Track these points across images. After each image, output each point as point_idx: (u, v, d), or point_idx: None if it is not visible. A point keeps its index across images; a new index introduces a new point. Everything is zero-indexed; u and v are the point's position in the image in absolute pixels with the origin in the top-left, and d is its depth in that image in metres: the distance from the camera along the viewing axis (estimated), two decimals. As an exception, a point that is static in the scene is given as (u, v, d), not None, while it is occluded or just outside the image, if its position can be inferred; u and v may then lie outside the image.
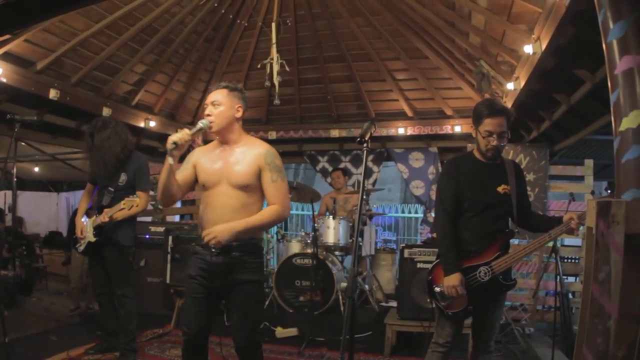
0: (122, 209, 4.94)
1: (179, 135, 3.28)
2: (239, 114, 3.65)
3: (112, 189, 5.20)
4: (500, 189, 3.76)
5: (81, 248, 5.33)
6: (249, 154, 3.61)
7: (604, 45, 2.51)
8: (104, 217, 5.03)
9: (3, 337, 4.56)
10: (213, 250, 3.50)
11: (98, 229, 5.18)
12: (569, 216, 3.56)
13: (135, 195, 5.00)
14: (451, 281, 3.62)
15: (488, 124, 3.67)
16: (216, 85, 3.69)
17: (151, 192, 4.31)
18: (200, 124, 3.48)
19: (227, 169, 3.57)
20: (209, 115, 3.55)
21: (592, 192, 7.03)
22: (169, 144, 3.26)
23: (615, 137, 2.44)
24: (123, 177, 5.21)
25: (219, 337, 5.43)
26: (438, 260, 3.88)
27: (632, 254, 2.12)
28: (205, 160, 3.65)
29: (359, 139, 3.16)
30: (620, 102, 2.40)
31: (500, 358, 5.67)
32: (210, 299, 3.67)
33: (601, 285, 2.20)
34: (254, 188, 3.60)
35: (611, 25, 2.43)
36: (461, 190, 3.79)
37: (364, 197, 8.51)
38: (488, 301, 3.77)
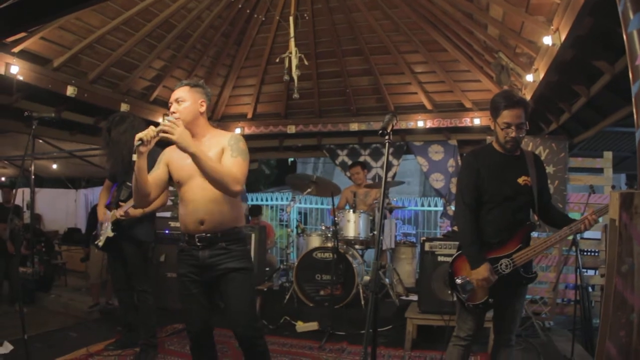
0: None
1: (145, 132, 3.26)
2: (203, 109, 3.71)
3: (130, 184, 5.19)
4: (520, 180, 3.74)
5: (100, 244, 5.37)
6: (214, 142, 3.66)
7: (624, 36, 2.48)
8: (120, 212, 5.09)
9: (22, 334, 4.59)
10: (198, 244, 3.59)
11: (115, 224, 5.23)
12: (585, 217, 3.54)
13: None
14: (480, 273, 3.61)
15: (506, 115, 3.64)
16: (178, 84, 3.74)
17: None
18: (167, 120, 3.41)
19: None
20: (174, 112, 3.58)
21: (613, 187, 6.98)
22: (136, 141, 3.25)
23: (637, 129, 2.42)
24: None
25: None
26: (459, 252, 3.88)
27: (656, 246, 2.11)
28: (176, 157, 3.67)
29: (380, 131, 3.16)
30: (642, 93, 2.37)
31: (520, 352, 5.63)
32: (204, 293, 3.73)
33: (624, 277, 2.18)
34: None
35: (631, 16, 2.40)
36: (481, 182, 3.77)
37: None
38: (509, 294, 3.75)
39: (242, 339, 3.71)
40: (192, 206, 3.59)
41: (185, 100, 3.61)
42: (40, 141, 9.51)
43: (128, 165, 5.10)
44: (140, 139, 3.24)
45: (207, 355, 3.87)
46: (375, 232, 7.76)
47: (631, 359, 2.10)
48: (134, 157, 3.30)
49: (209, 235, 3.60)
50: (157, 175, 3.68)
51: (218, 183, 3.41)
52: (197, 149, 3.29)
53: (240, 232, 3.78)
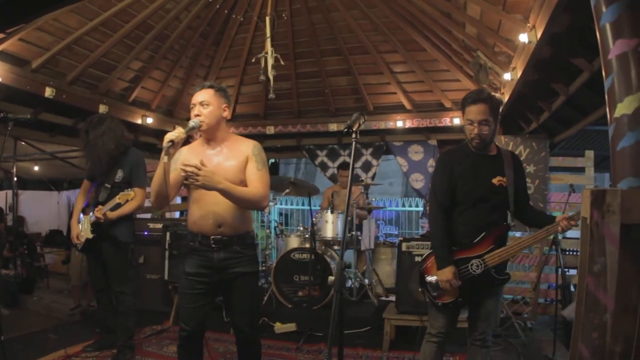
0: (117, 203, 4.99)
1: (176, 134, 3.31)
2: (226, 113, 3.78)
3: (108, 185, 5.23)
4: (495, 180, 3.72)
5: (80, 245, 5.34)
6: (238, 149, 3.73)
7: (597, 30, 2.43)
8: (98, 213, 5.04)
9: (9, 334, 4.72)
10: (214, 246, 3.63)
11: (95, 226, 5.19)
12: (561, 217, 3.52)
13: (131, 189, 5.03)
14: (444, 275, 3.64)
15: (469, 112, 3.68)
16: (201, 85, 3.75)
17: (147, 189, 4.36)
18: (192, 123, 3.54)
19: (219, 166, 3.64)
20: (198, 115, 3.61)
21: (596, 187, 6.97)
22: (166, 142, 3.27)
23: (610, 125, 2.37)
24: (119, 174, 5.23)
25: (217, 333, 5.40)
26: (431, 251, 3.89)
27: (629, 244, 2.05)
28: (194, 159, 3.59)
29: (346, 129, 3.14)
30: (615, 87, 2.32)
31: (500, 352, 5.64)
32: (207, 294, 3.76)
33: (596, 277, 2.12)
34: (244, 184, 3.68)
35: (604, 9, 2.34)
36: (455, 182, 3.78)
37: (363, 190, 8.47)
38: (481, 294, 3.74)
39: (246, 338, 3.87)
40: (211, 209, 3.62)
41: (210, 104, 3.65)
42: (23, 143, 9.43)
43: (105, 167, 5.19)
44: (171, 141, 3.29)
45: (194, 355, 3.90)
46: (353, 233, 7.75)
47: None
48: (164, 158, 3.34)
49: (225, 238, 3.66)
50: (174, 176, 3.66)
51: (248, 205, 3.62)
52: (224, 185, 3.40)
53: (252, 235, 3.88)
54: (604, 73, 2.39)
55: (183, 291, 3.78)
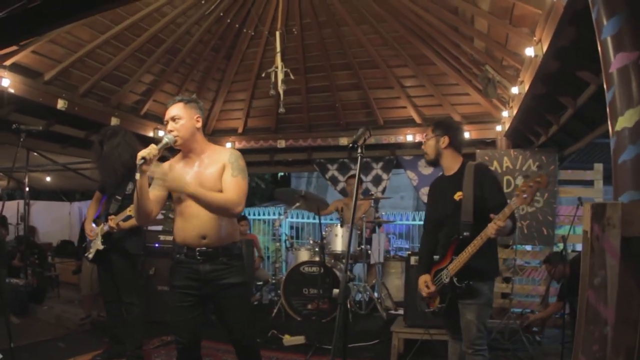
0: (128, 215, 5.01)
1: (147, 151, 3.29)
2: (199, 124, 3.74)
3: (119, 197, 5.26)
4: (456, 197, 3.98)
5: (90, 256, 5.38)
6: (216, 158, 3.71)
7: (598, 43, 2.46)
8: (110, 224, 5.08)
9: (9, 343, 4.62)
10: (199, 258, 3.62)
11: (106, 237, 5.24)
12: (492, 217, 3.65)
13: None
14: (419, 282, 4.15)
15: None
16: (171, 101, 3.76)
17: None
18: (166, 139, 3.54)
19: (200, 177, 3.65)
20: (171, 130, 3.61)
21: (605, 200, 6.97)
22: (138, 159, 3.26)
23: (611, 137, 2.38)
24: (131, 186, 5.23)
25: (219, 344, 5.41)
26: None
27: (629, 257, 2.06)
28: (175, 174, 3.68)
29: (351, 145, 3.20)
30: (616, 100, 2.34)
31: (508, 366, 5.62)
32: (197, 306, 3.75)
33: (597, 290, 2.13)
34: None
35: (605, 22, 2.37)
36: (434, 204, 4.34)
37: (373, 204, 8.48)
38: (461, 305, 3.94)
39: (245, 349, 3.86)
40: (194, 221, 3.61)
41: (182, 117, 3.63)
42: (35, 154, 9.51)
43: (120, 179, 5.22)
44: (143, 158, 3.26)
45: None
46: (363, 247, 7.76)
47: (604, 373, 2.05)
48: (137, 175, 3.32)
49: (210, 249, 3.64)
50: (157, 192, 3.66)
51: (220, 211, 3.55)
52: (192, 190, 3.41)
53: (238, 247, 3.86)
54: (605, 86, 2.42)
55: (174, 304, 3.76)
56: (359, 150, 3.17)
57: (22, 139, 5.00)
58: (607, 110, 2.43)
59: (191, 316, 3.71)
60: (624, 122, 2.28)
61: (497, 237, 3.74)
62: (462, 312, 3.93)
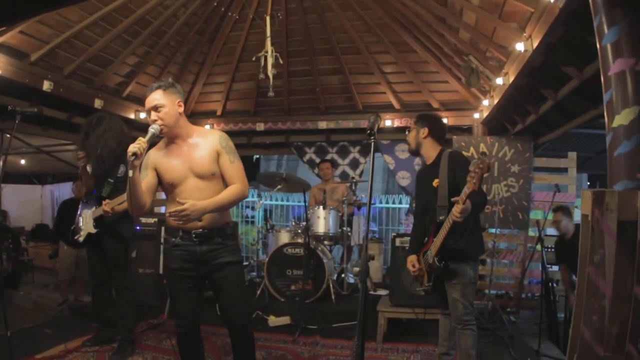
0: (124, 202, 4.92)
1: (137, 145, 3.29)
2: (181, 109, 3.76)
3: (111, 180, 5.24)
4: (434, 183, 4.31)
5: (81, 239, 5.37)
6: (204, 142, 3.78)
7: (598, 49, 2.72)
8: (105, 208, 5.06)
9: (5, 330, 4.60)
10: (195, 240, 3.72)
11: (98, 220, 5.24)
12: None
13: None
14: (407, 262, 4.52)
15: None
16: (149, 89, 3.74)
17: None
18: (152, 129, 3.56)
19: (190, 161, 3.73)
20: (155, 120, 3.63)
21: (589, 186, 7.29)
22: (129, 156, 3.26)
23: (607, 133, 2.66)
24: (122, 169, 5.21)
25: (213, 327, 5.51)
26: None
27: (624, 239, 2.34)
28: (164, 160, 3.77)
29: (368, 132, 3.36)
30: (613, 101, 2.62)
31: (490, 344, 5.85)
32: (196, 288, 3.86)
33: (596, 267, 2.41)
34: (218, 175, 3.79)
35: (606, 30, 2.65)
36: (419, 192, 4.72)
37: (351, 187, 8.68)
38: (446, 284, 4.31)
39: (239, 328, 3.90)
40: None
41: (164, 105, 3.64)
42: (8, 136, 9.42)
43: (110, 166, 5.19)
44: (134, 153, 3.26)
45: (194, 349, 3.99)
46: (344, 228, 7.95)
47: (603, 341, 2.32)
48: (130, 172, 3.36)
49: (206, 231, 3.73)
50: (148, 181, 3.73)
51: (237, 203, 3.88)
52: (211, 205, 3.58)
53: (231, 227, 3.93)
54: (603, 88, 2.70)
55: (172, 287, 3.90)
56: (373, 137, 3.34)
57: (17, 121, 4.86)
58: (604, 109, 2.72)
59: (190, 298, 3.83)
60: (620, 120, 2.57)
61: (480, 221, 4.06)
62: (448, 291, 4.27)
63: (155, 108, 3.64)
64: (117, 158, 5.20)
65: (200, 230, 3.72)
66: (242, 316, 3.93)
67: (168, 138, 3.80)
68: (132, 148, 3.26)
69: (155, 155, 3.80)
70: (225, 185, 3.81)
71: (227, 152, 3.77)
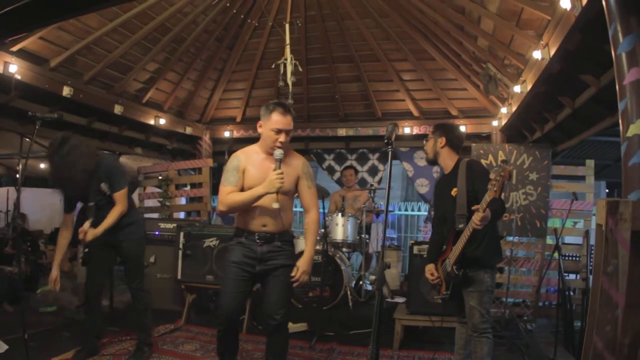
0: (93, 221, 4.85)
1: (281, 180, 3.80)
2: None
3: (92, 203, 4.97)
4: (452, 193, 4.31)
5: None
6: (290, 164, 4.15)
7: (613, 57, 2.72)
8: (87, 238, 4.84)
9: (23, 333, 4.54)
10: (258, 241, 4.08)
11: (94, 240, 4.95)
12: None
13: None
14: (425, 271, 4.49)
15: None
16: (284, 109, 4.09)
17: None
18: (279, 156, 3.92)
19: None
20: (282, 142, 4.00)
21: (607, 194, 7.22)
22: (275, 188, 3.78)
23: (622, 142, 2.64)
24: (103, 187, 5.00)
25: (247, 335, 5.54)
26: None
27: (638, 249, 2.32)
28: (252, 167, 4.10)
29: (386, 141, 3.45)
30: (628, 110, 2.61)
31: (505, 352, 5.81)
32: (249, 282, 4.16)
33: (610, 277, 2.40)
34: (292, 193, 4.21)
35: (621, 39, 2.64)
36: (439, 202, 4.70)
37: (371, 195, 8.67)
38: (464, 292, 4.28)
39: (278, 324, 4.11)
40: (260, 212, 4.05)
41: (291, 131, 4.11)
42: (27, 139, 9.50)
43: (83, 184, 4.88)
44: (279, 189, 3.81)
45: (232, 343, 4.27)
46: (363, 235, 7.95)
47: (616, 351, 2.31)
48: (275, 205, 3.86)
49: (268, 234, 4.09)
50: (240, 184, 4.09)
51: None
52: (312, 252, 4.20)
53: (291, 234, 4.33)
54: (618, 97, 2.68)
55: (227, 277, 4.10)
56: (391, 146, 3.45)
57: (37, 127, 4.84)
58: (619, 118, 2.70)
59: (240, 290, 4.08)
60: (635, 129, 2.56)
61: (499, 229, 4.03)
62: (465, 299, 4.26)
63: (288, 132, 4.05)
64: (89, 175, 4.90)
65: (264, 233, 4.07)
66: (283, 313, 4.10)
67: (265, 151, 4.13)
68: (277, 180, 3.79)
69: (245, 160, 4.16)
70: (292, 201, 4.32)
71: (306, 177, 4.22)
